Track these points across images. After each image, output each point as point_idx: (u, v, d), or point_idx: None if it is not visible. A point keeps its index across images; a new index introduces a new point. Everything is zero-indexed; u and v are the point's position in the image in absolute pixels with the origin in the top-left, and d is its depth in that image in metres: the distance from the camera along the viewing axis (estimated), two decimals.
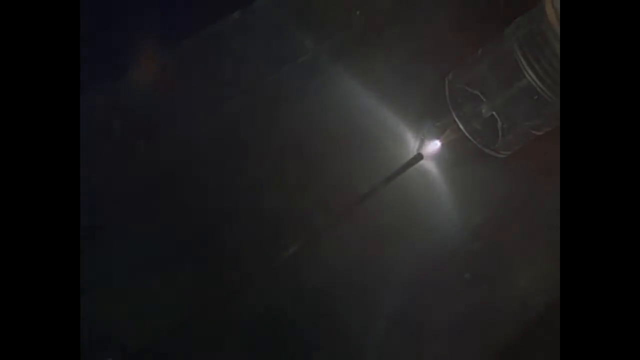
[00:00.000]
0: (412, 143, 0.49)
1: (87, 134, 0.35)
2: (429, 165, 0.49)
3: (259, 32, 0.49)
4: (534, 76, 0.41)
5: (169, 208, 0.45)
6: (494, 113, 0.44)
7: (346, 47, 0.50)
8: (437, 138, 0.48)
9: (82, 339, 0.28)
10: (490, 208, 0.49)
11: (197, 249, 0.44)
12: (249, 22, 0.49)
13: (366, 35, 0.51)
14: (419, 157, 0.48)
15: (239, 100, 0.48)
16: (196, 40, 0.48)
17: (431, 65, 0.50)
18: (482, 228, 0.48)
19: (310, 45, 0.50)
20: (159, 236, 0.44)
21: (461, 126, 0.46)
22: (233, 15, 0.49)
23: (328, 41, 0.50)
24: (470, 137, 0.47)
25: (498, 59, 0.44)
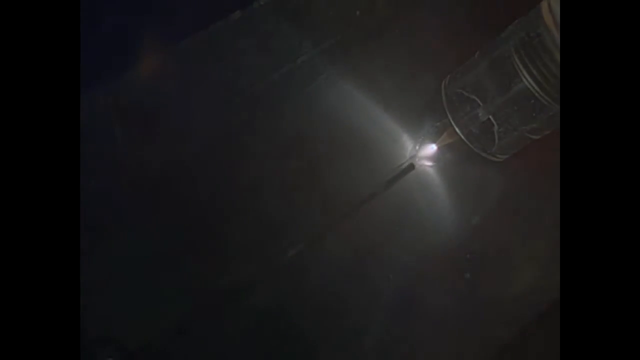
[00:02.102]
0: (410, 144, 0.49)
1: (87, 134, 0.35)
2: (428, 166, 0.49)
3: (259, 32, 0.49)
4: (530, 80, 0.41)
5: (169, 208, 0.45)
6: (490, 117, 0.44)
7: (345, 48, 0.50)
8: (434, 142, 0.49)
9: (82, 339, 0.28)
10: (489, 208, 0.49)
11: (197, 248, 0.44)
12: (249, 22, 0.49)
13: (366, 37, 0.51)
14: (415, 160, 0.48)
15: (239, 100, 0.48)
16: (196, 40, 0.48)
17: (431, 67, 0.50)
18: (482, 228, 0.48)
19: (309, 45, 0.50)
20: (159, 236, 0.44)
21: (457, 130, 0.46)
22: (233, 15, 0.49)
23: (328, 42, 0.50)
24: (466, 141, 0.46)
25: (495, 63, 0.43)
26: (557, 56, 0.38)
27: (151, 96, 0.46)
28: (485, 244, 0.48)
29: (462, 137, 0.46)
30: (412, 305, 0.46)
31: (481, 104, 0.44)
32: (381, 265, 0.46)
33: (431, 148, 0.49)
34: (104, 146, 0.44)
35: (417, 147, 0.49)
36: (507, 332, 0.46)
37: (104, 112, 0.45)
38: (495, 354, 0.46)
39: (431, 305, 0.46)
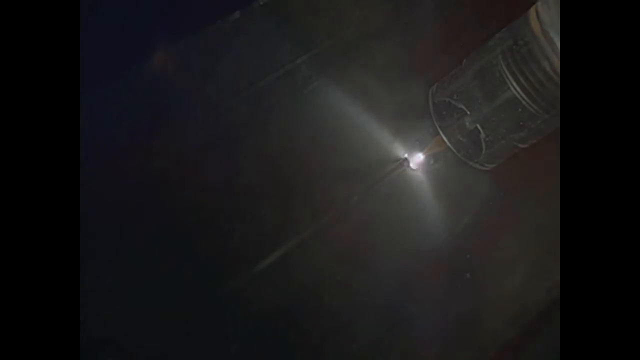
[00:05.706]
0: (403, 150, 0.49)
1: (87, 134, 0.35)
2: (421, 171, 0.49)
3: (259, 32, 0.49)
4: (518, 88, 0.40)
5: (168, 208, 0.45)
6: (477, 125, 0.44)
7: (345, 49, 0.50)
8: (421, 150, 0.48)
9: (82, 340, 0.28)
10: (488, 209, 0.49)
11: (196, 249, 0.44)
12: (249, 22, 0.49)
13: (365, 39, 0.51)
14: (406, 163, 0.48)
15: (238, 100, 0.48)
16: (195, 40, 0.48)
17: (426, 73, 0.50)
18: (481, 229, 0.48)
19: (309, 46, 0.50)
20: (158, 237, 0.44)
21: (445, 138, 0.46)
22: (233, 15, 0.49)
23: (327, 43, 0.50)
24: (453, 150, 0.46)
25: (482, 71, 0.43)
26: (545, 64, 0.38)
27: (150, 96, 0.46)
28: (485, 244, 0.48)
29: (449, 145, 0.46)
30: (412, 306, 0.46)
31: (468, 112, 0.44)
32: (380, 266, 0.46)
33: (423, 154, 0.49)
34: (103, 147, 0.44)
35: (406, 155, 0.49)
36: (507, 332, 0.46)
37: (104, 112, 0.45)
38: (495, 353, 0.46)
39: (431, 306, 0.46)
